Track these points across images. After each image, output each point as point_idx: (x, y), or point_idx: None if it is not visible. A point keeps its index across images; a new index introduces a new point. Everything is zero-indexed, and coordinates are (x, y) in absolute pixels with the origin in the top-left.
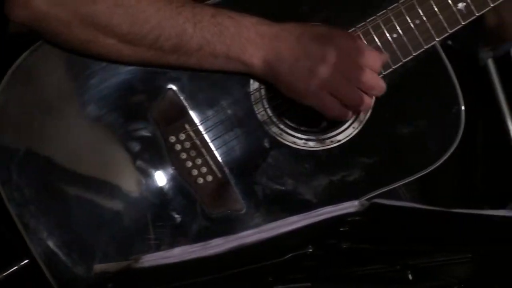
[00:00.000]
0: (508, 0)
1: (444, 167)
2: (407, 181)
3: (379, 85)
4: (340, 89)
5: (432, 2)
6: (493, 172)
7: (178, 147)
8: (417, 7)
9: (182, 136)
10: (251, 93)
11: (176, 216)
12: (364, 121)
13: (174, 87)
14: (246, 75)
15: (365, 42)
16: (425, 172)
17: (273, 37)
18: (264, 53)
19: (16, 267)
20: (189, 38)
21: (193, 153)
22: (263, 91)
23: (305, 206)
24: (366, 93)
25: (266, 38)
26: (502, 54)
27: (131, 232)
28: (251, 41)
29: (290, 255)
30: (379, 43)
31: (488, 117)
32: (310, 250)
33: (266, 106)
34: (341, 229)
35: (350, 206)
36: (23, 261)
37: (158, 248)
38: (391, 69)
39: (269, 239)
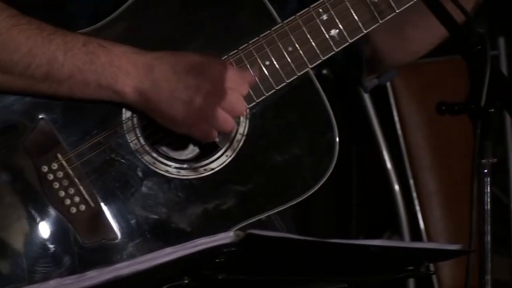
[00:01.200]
0: (381, 27)
1: (319, 196)
2: (280, 208)
3: (243, 109)
4: (214, 117)
5: (304, 29)
6: (368, 202)
7: (51, 176)
8: (290, 34)
9: (55, 166)
10: (124, 121)
11: (50, 246)
12: (237, 149)
13: (46, 117)
14: (116, 107)
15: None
16: (298, 200)
17: (146, 66)
18: (137, 82)
19: None
20: (60, 66)
21: (65, 183)
22: (135, 120)
23: (180, 235)
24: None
25: (139, 66)
26: (387, 81)
27: (5, 264)
28: (123, 69)
29: (166, 286)
30: (251, 71)
31: (363, 146)
32: (186, 281)
33: (139, 134)
34: (217, 260)
35: (225, 237)
36: None
37: (33, 280)
38: (264, 97)
39: (144, 271)
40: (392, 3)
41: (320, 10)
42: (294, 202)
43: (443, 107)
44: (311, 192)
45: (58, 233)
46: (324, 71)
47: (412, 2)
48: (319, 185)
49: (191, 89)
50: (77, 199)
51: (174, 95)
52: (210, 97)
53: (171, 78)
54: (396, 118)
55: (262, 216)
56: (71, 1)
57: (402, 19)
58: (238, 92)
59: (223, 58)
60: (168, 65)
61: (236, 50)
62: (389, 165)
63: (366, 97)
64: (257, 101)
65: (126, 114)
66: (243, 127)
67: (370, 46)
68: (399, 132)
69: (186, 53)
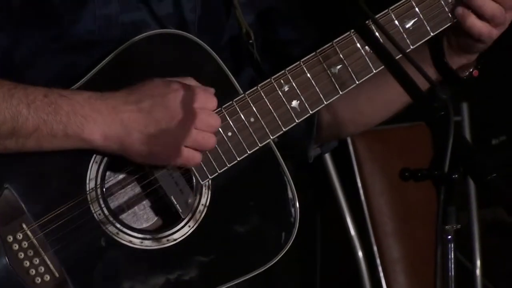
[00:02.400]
0: (343, 98)
1: (282, 264)
2: (243, 279)
3: (218, 122)
4: (193, 139)
5: (266, 100)
6: (332, 269)
7: (16, 246)
8: (251, 105)
9: (20, 236)
10: (88, 192)
11: None
12: (200, 220)
13: (10, 186)
14: (80, 178)
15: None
16: (260, 270)
17: (111, 110)
18: (105, 128)
19: None
20: (24, 120)
21: (30, 253)
22: (99, 191)
23: None
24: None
25: (104, 112)
26: (329, 150)
27: None
28: (88, 117)
29: None
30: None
31: (327, 213)
32: None
33: (103, 205)
34: None
35: None
36: None
37: None
38: (226, 167)
39: None
40: (352, 74)
41: (282, 81)
42: (256, 273)
43: (407, 174)
44: (272, 263)
45: None
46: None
47: (372, 74)
48: (281, 256)
49: (161, 121)
50: (42, 269)
51: (146, 132)
52: (183, 123)
53: (139, 116)
54: (359, 185)
55: (225, 287)
56: (29, 71)
57: (356, 91)
58: (208, 108)
59: None
60: (132, 104)
61: None
62: (352, 232)
63: (330, 164)
64: (219, 171)
65: (90, 184)
66: (206, 198)
67: (331, 113)
68: (363, 198)
69: (145, 84)
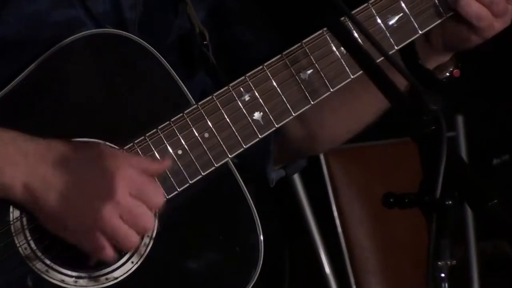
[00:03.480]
0: (315, 110)
1: None
2: None
3: (151, 226)
4: (115, 229)
5: (222, 111)
6: None
7: None
8: (205, 117)
9: None
10: (11, 222)
11: None
12: (145, 255)
13: None
14: (2, 206)
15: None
16: None
17: (38, 157)
18: (26, 175)
19: None
20: None
21: None
22: (25, 220)
23: None
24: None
25: (30, 157)
26: (295, 173)
27: None
28: (10, 159)
29: None
30: (160, 163)
31: (297, 246)
32: None
33: (29, 238)
34: None
35: None
36: None
37: None
38: (176, 192)
39: None
40: (325, 80)
41: (242, 89)
42: None
43: (391, 199)
44: None
45: None
46: (235, 160)
47: (349, 80)
48: None
49: (90, 193)
50: None
51: (68, 196)
52: (110, 206)
53: (66, 175)
54: (335, 213)
55: None
56: None
57: (321, 103)
58: (149, 204)
59: (127, 147)
60: (63, 158)
61: (143, 137)
62: (327, 269)
63: (299, 188)
64: (167, 197)
65: (14, 213)
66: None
67: (299, 126)
68: (339, 229)
69: (91, 144)
